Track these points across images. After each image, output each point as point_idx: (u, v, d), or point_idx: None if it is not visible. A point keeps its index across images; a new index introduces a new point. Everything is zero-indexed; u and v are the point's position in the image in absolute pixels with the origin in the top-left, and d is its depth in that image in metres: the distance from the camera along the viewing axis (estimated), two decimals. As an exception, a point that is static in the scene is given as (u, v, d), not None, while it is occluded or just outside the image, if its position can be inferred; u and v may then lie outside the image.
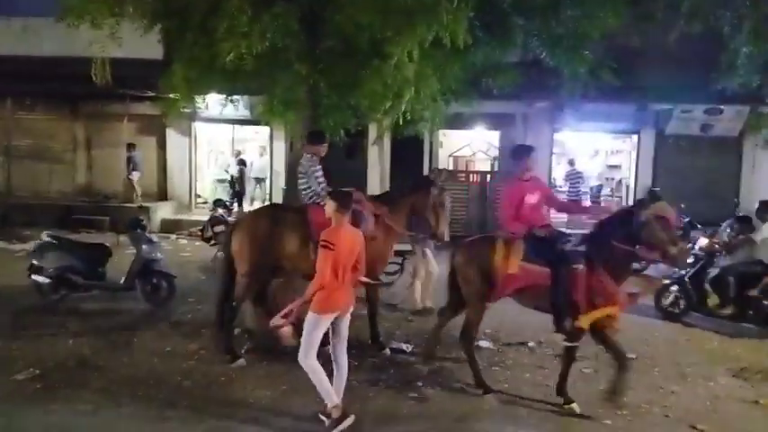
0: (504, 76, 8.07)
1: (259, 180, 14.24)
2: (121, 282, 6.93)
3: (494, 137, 13.83)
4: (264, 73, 6.65)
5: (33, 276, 6.85)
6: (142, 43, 7.81)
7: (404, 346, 5.77)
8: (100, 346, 5.67)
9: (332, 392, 4.03)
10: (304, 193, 5.54)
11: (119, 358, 5.37)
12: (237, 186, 13.41)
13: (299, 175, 5.58)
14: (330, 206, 4.08)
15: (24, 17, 12.88)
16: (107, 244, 7.55)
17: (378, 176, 13.04)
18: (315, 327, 3.99)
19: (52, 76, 13.05)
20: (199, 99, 8.38)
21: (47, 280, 6.77)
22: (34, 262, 6.89)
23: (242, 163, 13.66)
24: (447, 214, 5.74)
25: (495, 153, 13.96)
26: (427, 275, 7.03)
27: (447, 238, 5.71)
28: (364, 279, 4.48)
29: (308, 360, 3.99)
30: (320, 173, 5.50)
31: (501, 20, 7.03)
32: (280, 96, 7.40)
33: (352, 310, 4.20)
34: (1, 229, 11.19)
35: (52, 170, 13.62)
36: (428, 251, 7.02)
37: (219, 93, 8.85)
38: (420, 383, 4.95)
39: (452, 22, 5.51)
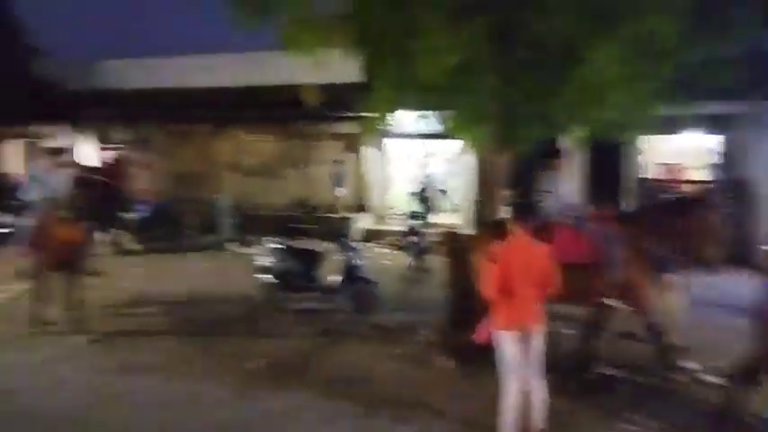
0: (724, 72, 7.12)
1: (445, 192, 14.60)
2: (330, 285, 7.66)
3: (711, 141, 12.24)
4: (454, 87, 6.79)
5: (260, 276, 7.95)
6: (345, 68, 8.58)
7: (611, 371, 5.43)
8: (313, 343, 6.34)
9: (509, 427, 3.92)
10: (544, 210, 5.55)
11: (330, 356, 5.95)
12: (425, 198, 13.90)
13: (537, 192, 5.61)
14: (508, 218, 4.07)
15: (249, 52, 15.13)
16: (318, 250, 8.43)
17: (573, 188, 12.42)
18: (501, 344, 3.96)
19: (273, 102, 15.08)
20: (392, 116, 8.86)
21: (271, 280, 7.80)
22: (261, 264, 7.99)
23: (428, 176, 14.16)
24: (719, 236, 5.02)
25: (715, 159, 12.33)
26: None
27: (717, 264, 5.04)
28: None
29: (505, 381, 3.97)
30: (555, 188, 5.48)
31: (720, 11, 6.25)
32: (467, 109, 7.50)
33: (542, 329, 4.03)
34: (236, 236, 13.11)
35: (272, 185, 15.60)
36: (672, 277, 6.34)
37: (413, 109, 9.28)
38: (630, 413, 4.61)
39: (661, 22, 5.06)
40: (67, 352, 5.96)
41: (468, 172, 13.71)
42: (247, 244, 12.13)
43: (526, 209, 4.14)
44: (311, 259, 7.91)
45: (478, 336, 4.10)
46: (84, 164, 10.53)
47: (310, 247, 8.64)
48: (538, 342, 4.00)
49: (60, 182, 6.80)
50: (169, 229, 12.10)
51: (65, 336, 6.34)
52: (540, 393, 3.99)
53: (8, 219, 10.48)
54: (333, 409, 4.69)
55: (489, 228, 5.62)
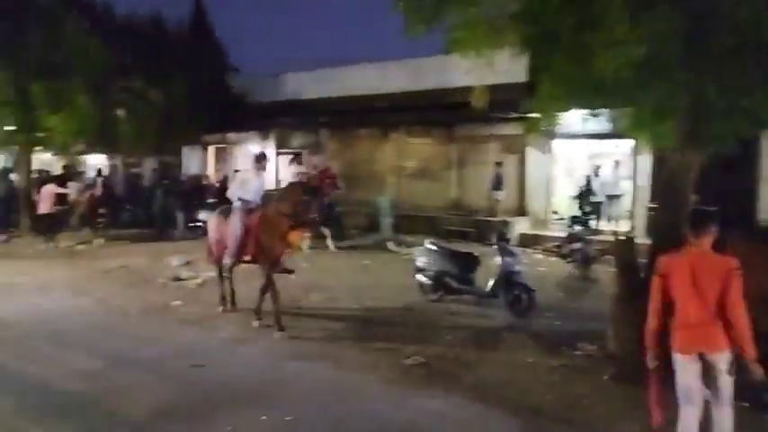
0: None
1: (612, 197, 13.50)
2: (487, 289, 7.53)
3: None
4: (636, 83, 6.26)
5: (417, 276, 8.09)
6: (508, 69, 8.40)
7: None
8: (469, 345, 6.26)
9: None
10: None
11: (486, 360, 5.82)
12: (591, 203, 12.99)
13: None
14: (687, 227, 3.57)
15: (413, 58, 15.54)
16: (475, 253, 8.33)
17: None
18: (677, 369, 3.49)
19: (433, 105, 15.33)
20: (559, 116, 8.44)
21: (428, 281, 7.90)
22: (419, 264, 8.12)
23: (595, 178, 13.22)
24: None
25: None
26: None
27: None
28: None
29: (681, 410, 3.51)
30: None
31: None
32: (652, 106, 6.86)
33: (727, 353, 3.41)
34: (396, 236, 13.54)
35: (430, 187, 15.83)
36: None
37: (585, 108, 8.75)
38: None
39: None
40: (247, 335, 6.62)
41: (642, 174, 12.57)
42: (406, 244, 12.44)
43: (706, 216, 3.58)
44: (468, 262, 7.86)
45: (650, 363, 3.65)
46: (306, 170, 11.44)
47: (467, 250, 8.59)
48: (722, 368, 3.46)
49: (260, 185, 7.36)
50: (335, 227, 12.87)
51: (244, 321, 7.07)
52: (723, 425, 3.46)
53: (204, 215, 12.01)
54: (486, 416, 4.57)
55: (666, 237, 5.05)
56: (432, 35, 6.68)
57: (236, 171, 17.25)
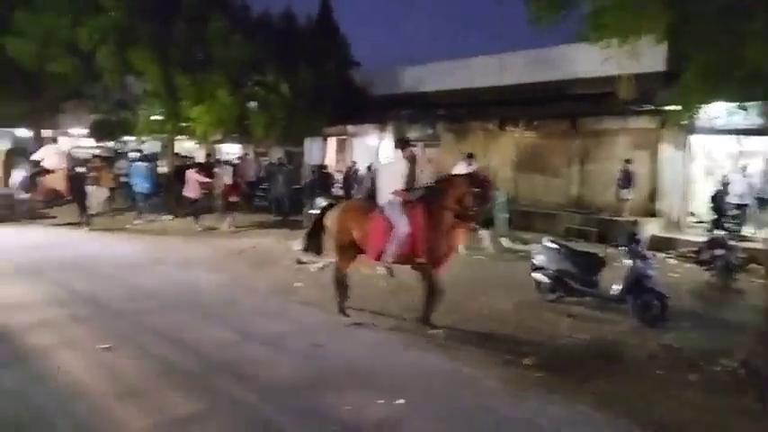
0: None
1: (764, 201, 12.04)
2: (613, 293, 7.08)
3: None
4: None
5: (535, 275, 7.81)
6: (642, 56, 7.80)
7: None
8: (591, 350, 5.94)
9: None
10: None
11: (609, 367, 5.51)
12: (737, 206, 11.71)
13: None
14: None
15: (534, 49, 14.98)
16: (600, 254, 7.87)
17: None
18: None
19: (556, 98, 14.68)
20: (701, 109, 7.71)
21: (546, 280, 7.60)
22: (536, 262, 7.83)
23: (726, 179, 11.89)
24: None
25: None
26: None
27: None
28: None
29: None
30: None
31: None
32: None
33: None
34: (511, 232, 13.18)
35: (549, 182, 15.21)
36: None
37: (732, 101, 7.95)
38: None
39: None
40: (363, 320, 6.77)
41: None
42: (522, 241, 12.08)
43: None
44: (591, 263, 7.46)
45: None
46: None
47: (590, 251, 8.16)
48: None
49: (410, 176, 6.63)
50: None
51: (359, 306, 7.22)
52: None
53: (321, 202, 12.45)
54: (610, 426, 4.30)
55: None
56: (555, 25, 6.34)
57: (353, 162, 17.85)
